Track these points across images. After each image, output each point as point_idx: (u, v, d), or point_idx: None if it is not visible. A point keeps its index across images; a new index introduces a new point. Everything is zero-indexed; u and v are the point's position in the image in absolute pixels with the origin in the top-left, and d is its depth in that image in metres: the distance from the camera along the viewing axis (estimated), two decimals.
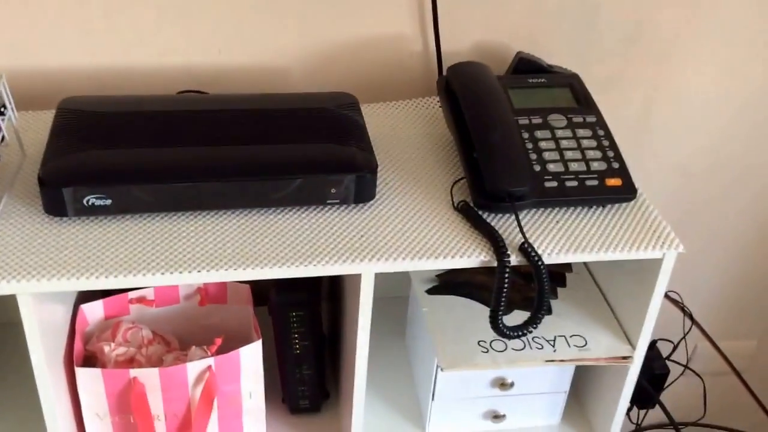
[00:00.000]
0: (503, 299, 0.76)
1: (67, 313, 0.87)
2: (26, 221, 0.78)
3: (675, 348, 1.15)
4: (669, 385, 1.12)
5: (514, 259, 0.77)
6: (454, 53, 1.00)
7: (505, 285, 0.76)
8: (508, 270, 0.76)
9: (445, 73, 0.91)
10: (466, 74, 0.88)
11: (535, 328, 0.78)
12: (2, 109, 0.82)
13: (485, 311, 0.92)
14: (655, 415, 1.20)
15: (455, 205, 0.83)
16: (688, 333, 1.14)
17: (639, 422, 1.23)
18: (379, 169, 0.84)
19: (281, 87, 1.00)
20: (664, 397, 1.14)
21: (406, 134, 0.94)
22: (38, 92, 0.97)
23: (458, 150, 0.86)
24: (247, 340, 0.88)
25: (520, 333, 0.78)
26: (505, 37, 1.01)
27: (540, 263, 0.76)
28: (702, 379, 1.24)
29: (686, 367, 1.19)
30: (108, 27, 0.94)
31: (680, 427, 1.17)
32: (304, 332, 0.91)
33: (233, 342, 0.89)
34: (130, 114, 0.84)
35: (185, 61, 0.97)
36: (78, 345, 0.86)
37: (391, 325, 1.10)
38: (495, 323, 0.77)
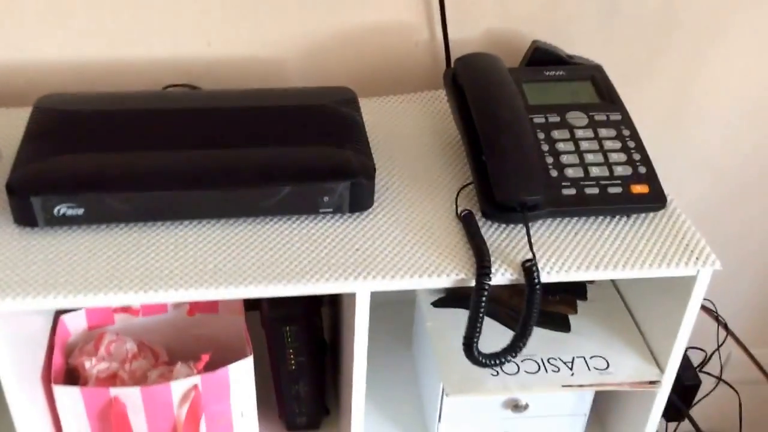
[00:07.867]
0: (479, 324, 0.68)
1: (47, 323, 0.82)
2: None
3: (708, 359, 1.06)
4: (701, 399, 1.03)
5: (509, 277, 0.69)
6: (463, 42, 0.91)
7: (481, 308, 0.67)
8: (486, 292, 0.67)
9: (452, 64, 0.82)
10: (475, 67, 0.79)
11: (514, 356, 0.69)
12: None
13: (496, 327, 0.84)
14: (686, 427, 1.12)
15: (458, 213, 0.75)
16: (722, 344, 1.05)
17: None
18: (378, 172, 0.76)
19: (275, 80, 0.93)
20: (696, 409, 1.05)
21: (409, 132, 0.86)
22: (18, 88, 0.90)
23: (466, 151, 0.78)
24: (238, 352, 0.82)
25: (497, 361, 0.70)
26: (520, 25, 0.92)
27: (537, 286, 0.68)
28: (737, 392, 1.15)
29: (720, 379, 1.10)
30: (90, 18, 0.87)
31: None
32: (300, 347, 0.85)
33: (225, 353, 0.83)
34: (108, 113, 0.77)
35: (173, 54, 0.90)
36: (58, 359, 0.80)
37: (398, 331, 1.03)
38: (469, 350, 0.69)
